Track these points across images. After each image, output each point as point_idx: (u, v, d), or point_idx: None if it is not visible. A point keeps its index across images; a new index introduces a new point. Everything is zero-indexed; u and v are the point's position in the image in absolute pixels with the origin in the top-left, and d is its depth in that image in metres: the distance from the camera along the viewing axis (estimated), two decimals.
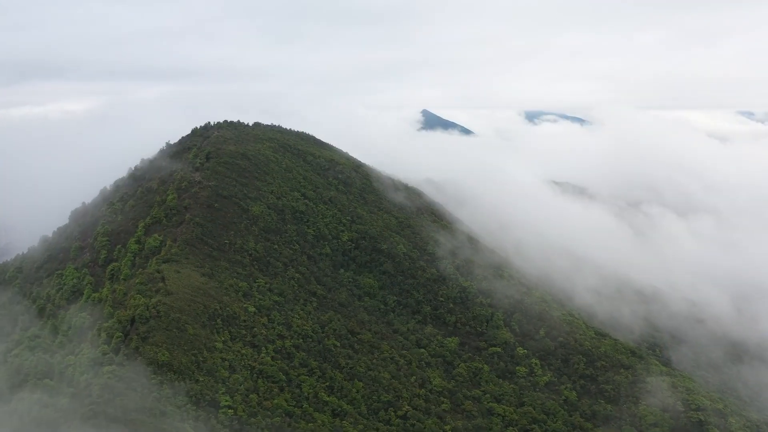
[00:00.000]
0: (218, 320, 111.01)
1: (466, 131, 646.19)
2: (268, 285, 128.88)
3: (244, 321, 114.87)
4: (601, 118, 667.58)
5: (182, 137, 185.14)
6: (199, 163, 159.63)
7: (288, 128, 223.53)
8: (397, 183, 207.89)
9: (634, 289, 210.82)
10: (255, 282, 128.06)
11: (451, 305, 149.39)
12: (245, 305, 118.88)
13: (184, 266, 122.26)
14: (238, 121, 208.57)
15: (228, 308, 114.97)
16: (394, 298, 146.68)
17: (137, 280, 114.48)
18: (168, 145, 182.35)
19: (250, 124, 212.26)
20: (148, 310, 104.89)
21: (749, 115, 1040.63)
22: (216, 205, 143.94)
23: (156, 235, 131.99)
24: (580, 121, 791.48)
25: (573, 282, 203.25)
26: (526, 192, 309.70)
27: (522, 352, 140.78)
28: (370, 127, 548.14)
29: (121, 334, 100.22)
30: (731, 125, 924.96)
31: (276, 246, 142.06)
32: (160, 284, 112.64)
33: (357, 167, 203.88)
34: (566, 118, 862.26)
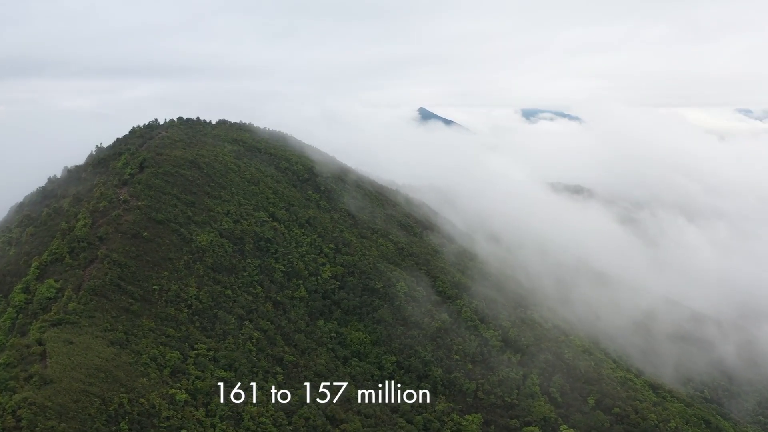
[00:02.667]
0: (122, 423, 71.38)
1: (464, 129, 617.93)
2: (211, 353, 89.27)
3: (167, 419, 75.20)
4: (598, 116, 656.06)
5: (117, 139, 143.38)
6: (129, 174, 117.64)
7: (263, 127, 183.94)
8: (395, 194, 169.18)
9: (670, 319, 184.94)
10: (193, 349, 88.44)
11: (470, 366, 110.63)
12: (172, 391, 79.27)
13: (85, 331, 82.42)
14: (197, 118, 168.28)
15: (143, 400, 75.31)
16: (393, 358, 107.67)
17: (1, 359, 74.76)
18: (99, 148, 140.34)
19: (214, 122, 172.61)
20: (3, 416, 65.20)
21: (747, 112, 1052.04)
22: (145, 234, 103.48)
23: (52, 280, 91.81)
24: (578, 119, 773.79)
25: (598, 309, 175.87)
26: (528, 197, 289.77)
27: None
28: (365, 125, 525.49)
29: None
30: (729, 123, 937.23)
31: (229, 291, 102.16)
32: (36, 366, 72.95)
33: (346, 175, 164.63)
34: (563, 116, 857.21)
